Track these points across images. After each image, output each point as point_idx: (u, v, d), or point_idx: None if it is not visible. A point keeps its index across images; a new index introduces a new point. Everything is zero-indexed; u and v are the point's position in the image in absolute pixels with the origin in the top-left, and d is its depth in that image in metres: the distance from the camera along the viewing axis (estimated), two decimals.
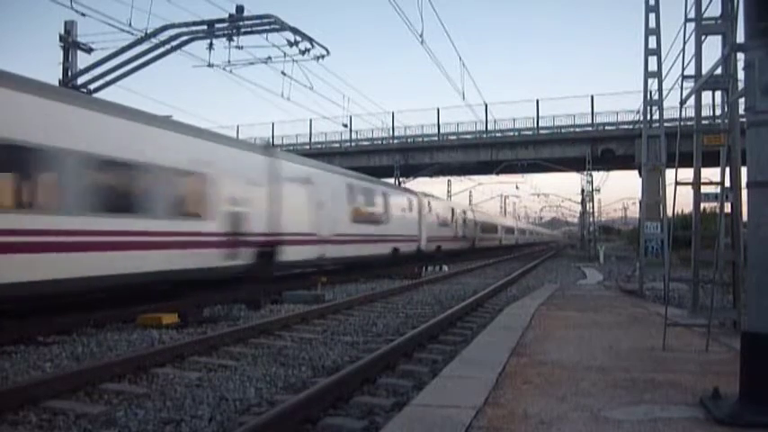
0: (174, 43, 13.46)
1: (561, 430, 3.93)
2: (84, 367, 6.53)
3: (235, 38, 13.96)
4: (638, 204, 23.47)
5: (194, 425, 5.01)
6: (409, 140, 43.16)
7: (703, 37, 8.56)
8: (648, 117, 16.35)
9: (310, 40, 14.30)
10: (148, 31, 13.35)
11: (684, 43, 8.31)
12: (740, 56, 5.28)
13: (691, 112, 9.48)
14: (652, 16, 14.65)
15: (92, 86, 13.14)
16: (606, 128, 38.59)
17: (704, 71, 8.27)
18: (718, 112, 8.94)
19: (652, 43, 14.64)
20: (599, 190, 52.31)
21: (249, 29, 13.87)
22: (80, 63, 15.39)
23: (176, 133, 12.05)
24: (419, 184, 52.59)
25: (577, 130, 39.29)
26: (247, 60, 15.47)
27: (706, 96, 8.74)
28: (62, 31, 15.65)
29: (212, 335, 8.59)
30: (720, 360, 6.16)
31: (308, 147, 43.86)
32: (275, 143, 44.56)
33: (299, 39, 14.24)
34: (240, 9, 13.66)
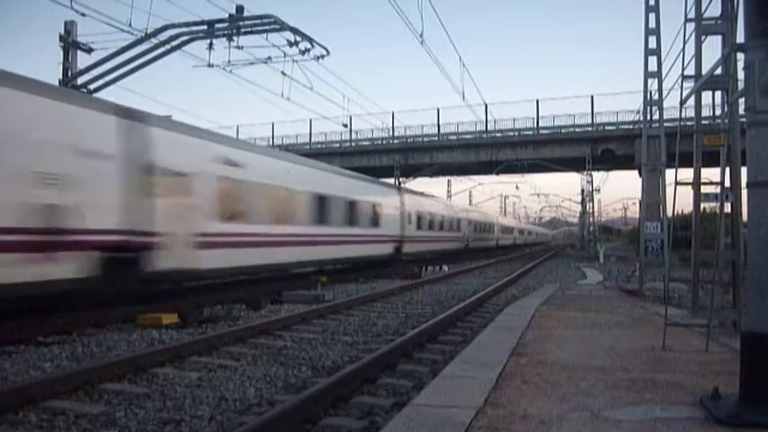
0: (174, 43, 13.47)
1: (561, 430, 3.93)
2: (84, 367, 6.53)
3: (235, 38, 13.97)
4: (638, 204, 23.47)
5: (194, 425, 5.01)
6: (409, 140, 43.19)
7: (703, 37, 8.56)
8: (648, 117, 16.36)
9: (310, 40, 14.31)
10: (148, 31, 13.36)
11: (684, 43, 8.32)
12: (740, 56, 5.28)
13: (691, 112, 9.48)
14: (652, 16, 14.67)
15: (92, 86, 13.15)
16: (606, 128, 38.63)
17: (704, 71, 8.27)
18: (718, 112, 8.94)
19: (652, 43, 14.66)
20: (599, 190, 52.39)
21: (249, 29, 13.88)
22: (80, 63, 15.43)
23: None
24: (419, 184, 52.68)
25: (577, 130, 39.33)
26: (247, 60, 15.49)
27: (706, 96, 8.75)
28: (62, 31, 15.67)
29: (212, 335, 8.59)
30: (720, 360, 6.16)
31: (308, 147, 43.90)
32: (275, 143, 44.69)
33: (298, 39, 14.25)
34: (240, 9, 13.66)
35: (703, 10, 8.58)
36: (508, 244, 59.81)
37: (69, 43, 15.57)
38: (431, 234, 31.03)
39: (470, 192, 67.75)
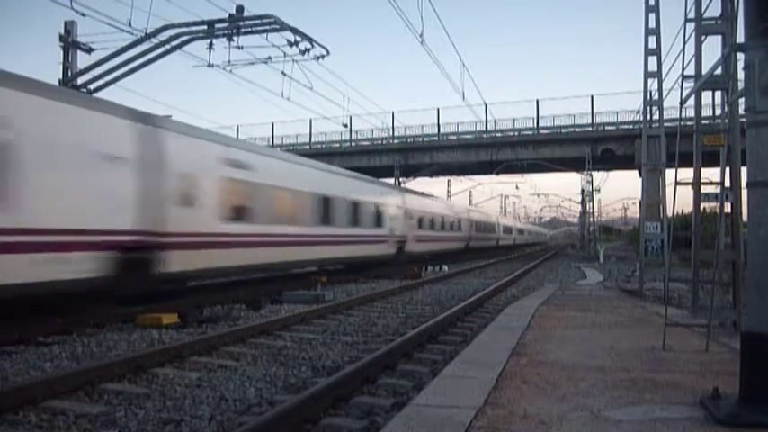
0: (174, 43, 13.48)
1: (561, 430, 3.93)
2: (84, 367, 6.53)
3: (235, 38, 13.98)
4: (638, 204, 23.47)
5: (194, 425, 5.01)
6: (409, 140, 43.20)
7: (703, 37, 8.56)
8: (648, 117, 16.36)
9: (310, 40, 14.32)
10: (148, 31, 13.37)
11: (684, 43, 8.32)
12: (740, 56, 5.28)
13: (691, 113, 9.48)
14: (652, 16, 14.67)
15: (92, 86, 13.15)
16: (606, 128, 38.66)
17: (704, 71, 8.27)
18: (718, 112, 8.94)
19: (652, 43, 14.66)
20: (599, 190, 52.36)
21: (249, 29, 13.89)
22: (80, 63, 15.43)
23: None
24: (419, 184, 52.58)
25: (577, 130, 39.36)
26: (247, 60, 15.49)
27: (706, 96, 8.75)
28: (62, 31, 15.67)
29: (212, 335, 8.59)
30: (720, 360, 6.16)
31: (308, 147, 43.94)
32: (275, 143, 44.72)
33: (298, 39, 14.26)
34: (240, 9, 13.67)
35: (703, 10, 8.58)
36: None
37: (69, 43, 15.57)
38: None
39: (470, 192, 67.68)
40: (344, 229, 19.37)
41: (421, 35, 16.67)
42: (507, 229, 58.57)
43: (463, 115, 60.25)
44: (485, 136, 41.26)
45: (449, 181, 60.83)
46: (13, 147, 8.42)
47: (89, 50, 15.69)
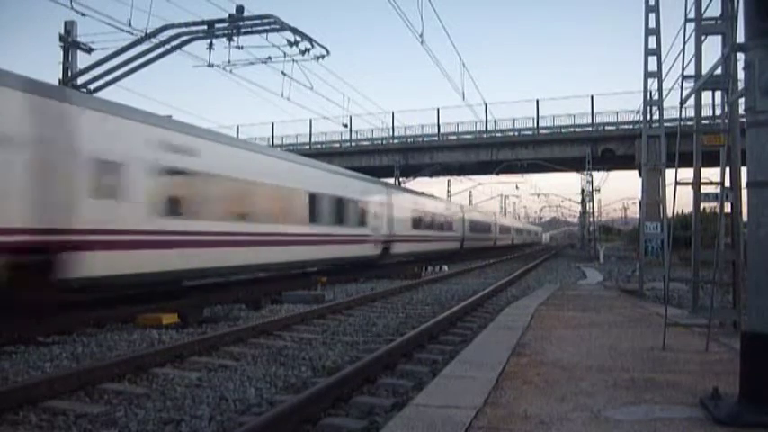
0: (174, 43, 13.47)
1: (561, 430, 3.93)
2: (84, 367, 6.53)
3: (235, 38, 13.97)
4: (638, 204, 23.45)
5: (194, 425, 5.01)
6: (409, 140, 43.22)
7: (703, 37, 8.55)
8: (648, 117, 16.36)
9: (310, 40, 14.32)
10: (148, 31, 13.36)
11: (684, 43, 8.31)
12: (740, 56, 5.28)
13: (691, 112, 9.48)
14: (652, 16, 14.66)
15: (92, 86, 13.15)
16: (606, 128, 38.68)
17: (704, 71, 8.27)
18: (718, 112, 8.93)
19: (652, 43, 14.65)
20: (599, 190, 52.38)
21: (249, 29, 13.89)
22: (80, 63, 15.43)
23: None
24: (419, 184, 52.65)
25: (577, 130, 39.37)
26: (247, 60, 15.50)
27: (706, 96, 8.75)
28: (62, 31, 15.67)
29: (212, 335, 8.59)
30: (720, 360, 6.16)
31: (307, 147, 43.93)
32: (275, 143, 44.71)
33: (298, 39, 14.25)
34: (240, 9, 13.66)
35: (703, 10, 8.58)
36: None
37: (69, 43, 15.57)
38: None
39: (470, 192, 67.78)
40: (440, 232, 32.89)
41: (421, 35, 16.70)
42: (519, 231, 71.39)
43: (463, 115, 60.36)
44: (485, 136, 41.28)
45: (449, 181, 60.85)
46: (345, 200, 19.87)
47: (89, 50, 15.68)
